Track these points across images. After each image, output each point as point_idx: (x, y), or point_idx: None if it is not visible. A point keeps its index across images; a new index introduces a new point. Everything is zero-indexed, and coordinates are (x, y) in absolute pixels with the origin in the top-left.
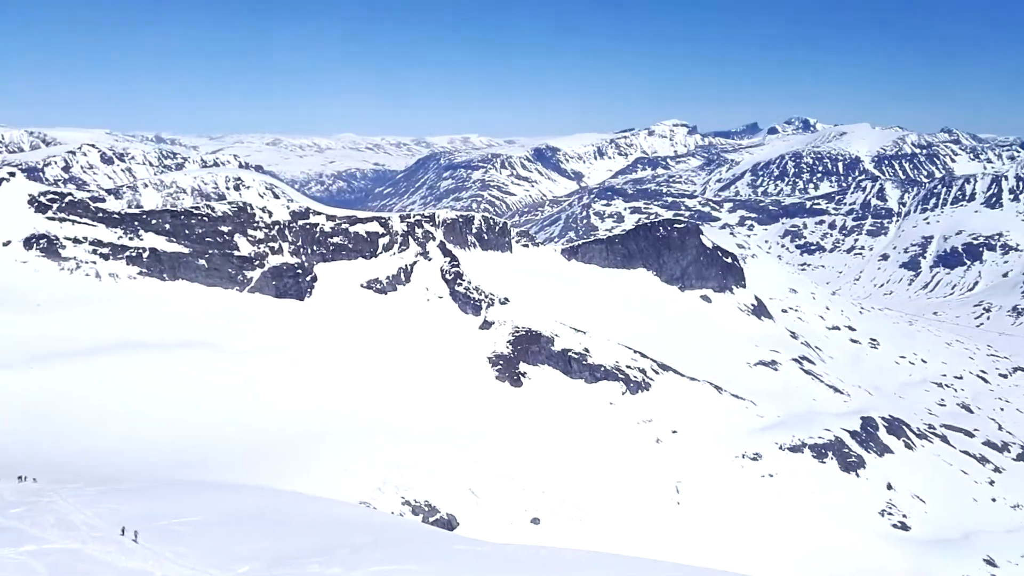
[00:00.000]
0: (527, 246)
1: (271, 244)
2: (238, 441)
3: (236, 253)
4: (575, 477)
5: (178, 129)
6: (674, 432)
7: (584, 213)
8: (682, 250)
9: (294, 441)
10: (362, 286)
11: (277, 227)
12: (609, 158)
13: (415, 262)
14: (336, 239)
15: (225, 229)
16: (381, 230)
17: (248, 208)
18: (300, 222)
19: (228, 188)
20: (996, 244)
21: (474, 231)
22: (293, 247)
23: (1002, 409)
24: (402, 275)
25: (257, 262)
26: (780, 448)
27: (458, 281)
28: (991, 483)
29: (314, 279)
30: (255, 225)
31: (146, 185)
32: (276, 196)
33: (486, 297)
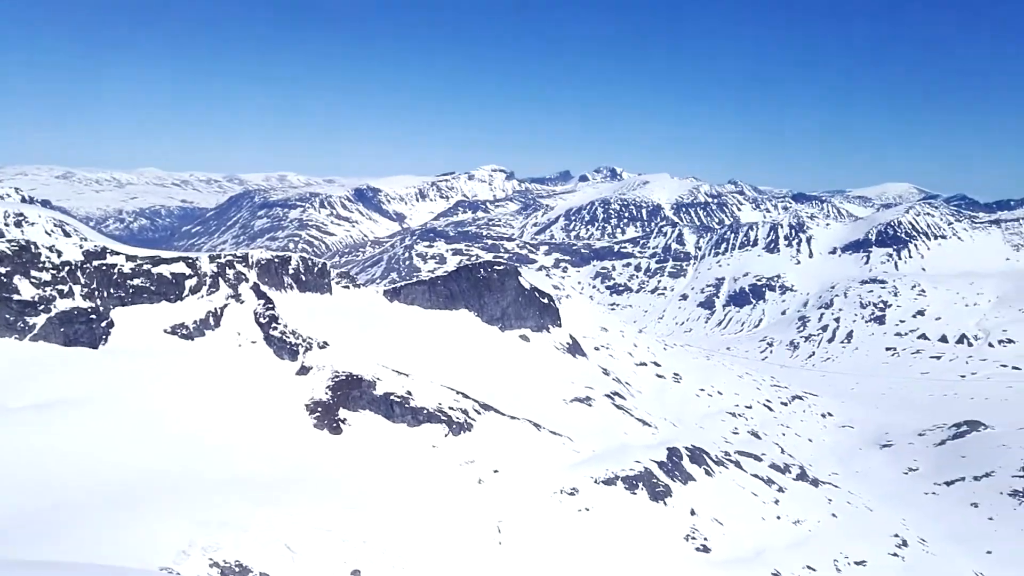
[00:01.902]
0: (348, 287)
1: (59, 287)
2: (20, 511)
3: (16, 297)
4: (398, 524)
5: None
6: (496, 471)
7: (406, 254)
8: (502, 291)
9: (85, 505)
10: (166, 331)
11: (67, 268)
12: (431, 200)
13: (226, 305)
14: (137, 281)
15: (2, 271)
16: (188, 271)
17: (32, 247)
18: (95, 262)
19: (7, 225)
20: (775, 285)
21: (291, 272)
22: (86, 290)
23: (784, 434)
24: (211, 319)
25: (42, 307)
26: (595, 482)
27: (273, 325)
28: (776, 502)
29: (110, 325)
30: (40, 266)
31: None
32: (67, 234)
33: (304, 341)
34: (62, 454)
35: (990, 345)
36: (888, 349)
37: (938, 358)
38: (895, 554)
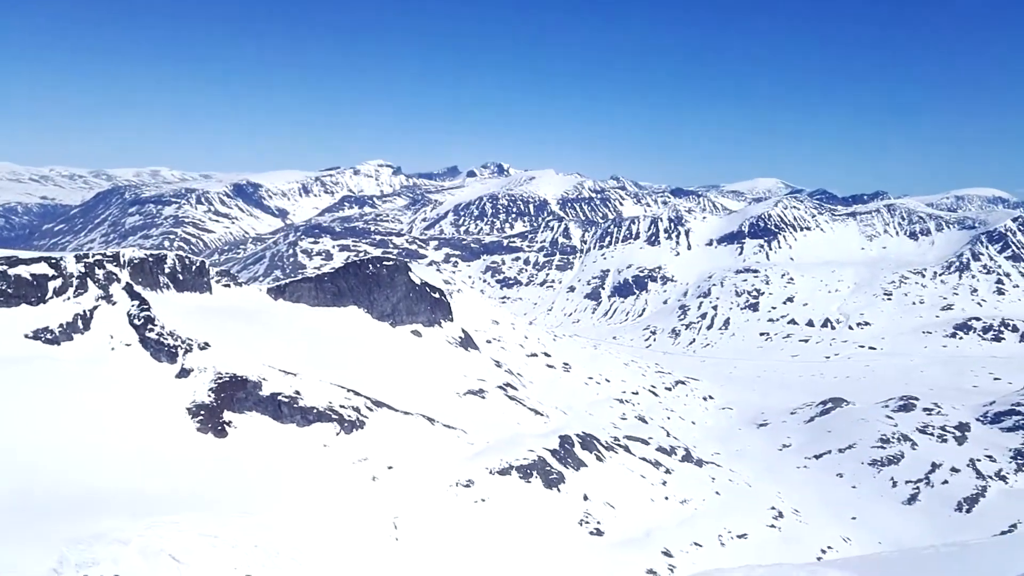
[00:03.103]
0: (229, 286)
1: None
2: None
3: None
4: (290, 526)
5: None
6: (390, 468)
7: (291, 251)
8: (392, 287)
9: None
10: (27, 336)
11: None
12: (315, 196)
13: (96, 307)
14: None
15: None
16: (51, 272)
17: None
18: None
19: None
20: (657, 276)
21: (167, 271)
22: None
23: (668, 418)
24: (79, 322)
25: None
26: (490, 472)
27: (149, 326)
28: (664, 484)
29: None
30: None
31: None
32: None
33: (183, 343)
34: None
35: (850, 328)
36: (762, 334)
37: (806, 341)
38: (772, 525)
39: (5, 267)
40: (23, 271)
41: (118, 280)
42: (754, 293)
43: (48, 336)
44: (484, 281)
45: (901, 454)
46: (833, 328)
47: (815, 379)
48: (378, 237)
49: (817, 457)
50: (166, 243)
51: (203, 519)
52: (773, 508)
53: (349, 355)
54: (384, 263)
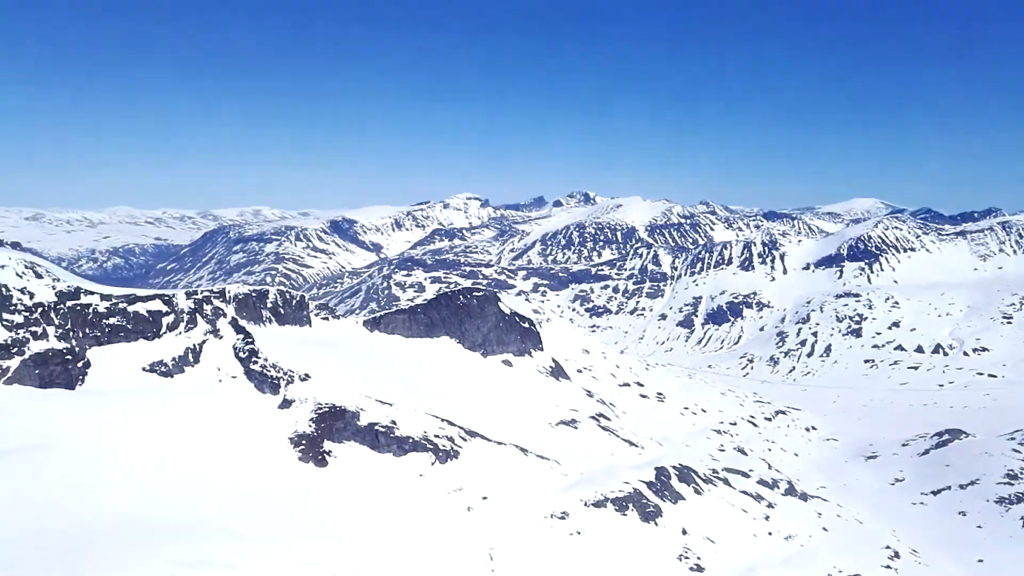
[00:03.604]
0: (327, 319)
1: (33, 329)
2: None
3: None
4: (387, 555)
5: None
6: (484, 498)
7: (385, 284)
8: (482, 317)
9: (64, 548)
10: (144, 369)
11: (40, 310)
12: (407, 229)
13: (204, 341)
14: (113, 320)
15: None
16: (165, 308)
17: (3, 290)
18: (69, 303)
19: None
20: (752, 302)
21: (269, 306)
22: (61, 331)
23: (769, 449)
24: (190, 355)
25: (15, 350)
26: (585, 505)
27: (253, 359)
28: (766, 518)
29: (87, 365)
30: (12, 308)
31: None
32: (39, 275)
33: (285, 374)
34: (41, 499)
35: (965, 354)
36: (867, 361)
37: (915, 368)
38: (888, 566)
39: (125, 304)
40: (140, 308)
41: (224, 315)
42: (856, 318)
43: (163, 369)
44: (573, 310)
45: None
46: (945, 354)
47: (928, 409)
48: (468, 268)
49: (935, 493)
50: (268, 279)
51: (305, 546)
52: (888, 547)
53: (442, 385)
54: (474, 294)
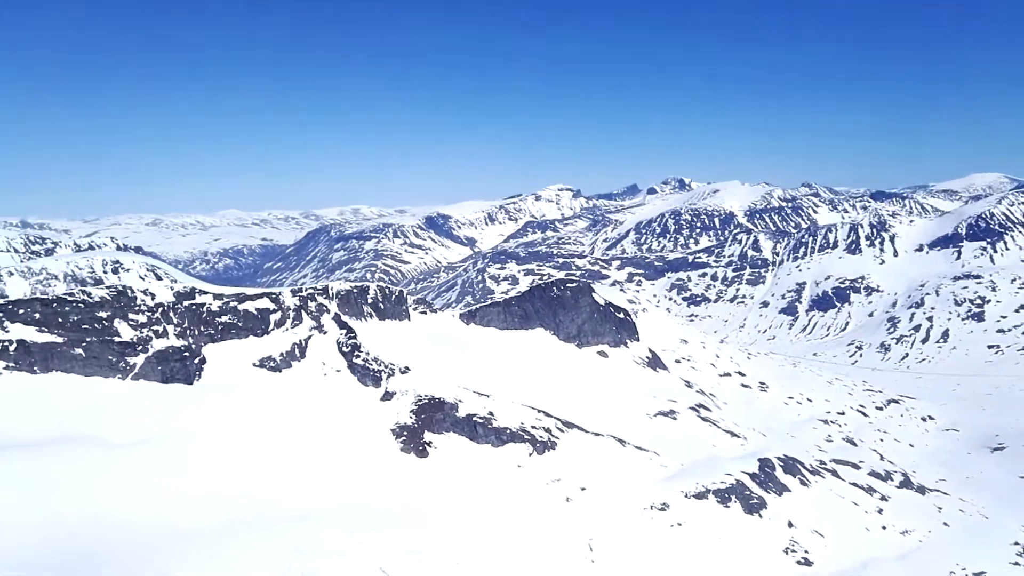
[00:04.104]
0: (425, 313)
1: (155, 327)
2: (129, 539)
3: (117, 339)
4: (488, 545)
5: (46, 213)
6: (583, 489)
7: (479, 277)
8: (576, 308)
9: (190, 533)
10: (255, 365)
11: (160, 309)
12: (500, 223)
13: (310, 336)
14: (225, 318)
15: (103, 315)
16: (272, 306)
17: (128, 291)
18: (185, 303)
19: (106, 272)
20: (860, 287)
21: (370, 301)
22: (179, 329)
23: (882, 440)
24: (296, 351)
25: (140, 347)
26: (686, 496)
27: (356, 353)
28: (880, 512)
29: (203, 361)
30: (136, 309)
31: (11, 273)
32: (159, 277)
33: (386, 367)
34: (165, 487)
35: None
36: (990, 347)
37: None
38: (1017, 563)
39: (236, 303)
40: (250, 306)
41: (328, 311)
42: (977, 301)
43: (271, 364)
44: (670, 299)
45: None
46: None
47: None
48: (561, 260)
49: None
50: (368, 275)
51: (409, 535)
52: (1016, 543)
53: (537, 377)
54: (568, 285)
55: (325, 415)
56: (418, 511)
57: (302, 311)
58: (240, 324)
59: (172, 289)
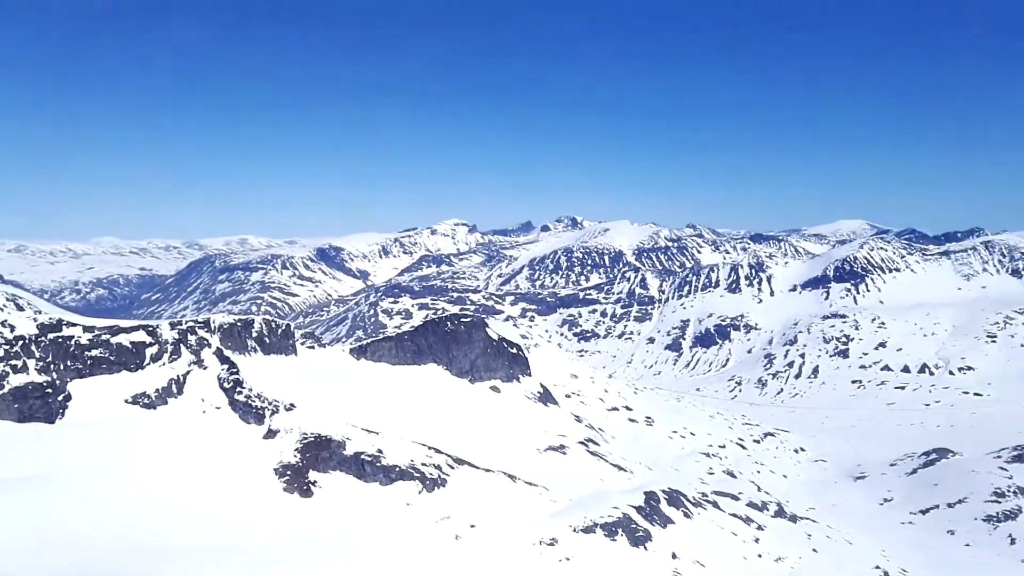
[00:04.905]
0: (313, 347)
1: (13, 362)
2: None
3: None
4: None
5: None
6: (472, 526)
7: (372, 311)
8: (470, 343)
9: None
10: (127, 401)
11: (21, 342)
12: (394, 256)
13: (188, 371)
14: (95, 352)
15: None
16: (148, 339)
17: None
18: (50, 335)
19: None
20: (740, 324)
21: (254, 335)
22: (41, 363)
23: (759, 472)
24: (173, 387)
25: None
26: (574, 530)
27: (238, 389)
28: (756, 540)
29: (68, 398)
30: None
31: None
32: (20, 308)
33: (270, 404)
34: (20, 535)
35: (951, 373)
36: (854, 382)
37: (902, 388)
38: None
39: (108, 336)
40: (123, 339)
41: (209, 345)
42: (843, 339)
43: (145, 401)
44: (561, 335)
45: (1019, 508)
46: (932, 374)
47: (915, 428)
48: (455, 294)
49: (923, 512)
50: (253, 308)
51: (290, 574)
52: (878, 568)
53: (429, 413)
54: (462, 320)
55: (203, 454)
56: (302, 551)
57: (181, 345)
58: (112, 358)
59: (35, 320)
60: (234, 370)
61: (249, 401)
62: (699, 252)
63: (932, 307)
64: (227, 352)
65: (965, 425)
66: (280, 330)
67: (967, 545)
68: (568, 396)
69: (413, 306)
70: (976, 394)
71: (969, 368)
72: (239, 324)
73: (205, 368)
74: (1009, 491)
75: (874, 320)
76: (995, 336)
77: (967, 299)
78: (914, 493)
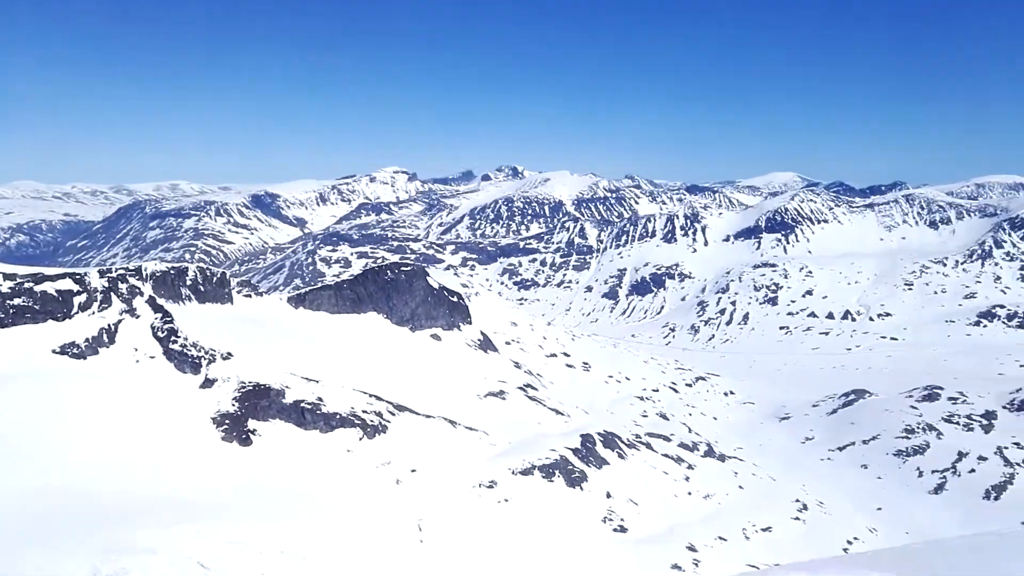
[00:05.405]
0: (250, 296)
1: None
2: None
3: None
4: (315, 531)
5: None
6: (413, 471)
7: (310, 260)
8: (410, 292)
9: None
10: (55, 352)
11: None
12: (332, 204)
13: (120, 320)
14: (18, 300)
15: None
16: (76, 287)
17: None
18: None
19: None
20: (675, 273)
21: (188, 283)
22: None
23: (690, 414)
24: (104, 336)
25: None
26: (513, 473)
27: (172, 338)
28: (687, 479)
29: None
30: None
31: None
32: None
33: (206, 353)
34: None
35: (871, 319)
36: (782, 328)
37: (826, 334)
38: (797, 518)
39: (31, 284)
40: (48, 287)
41: (141, 294)
42: (773, 287)
43: (74, 351)
44: (502, 284)
45: (927, 444)
46: (853, 320)
47: (836, 371)
48: (395, 243)
49: (841, 449)
50: (187, 256)
51: (230, 526)
52: (797, 501)
53: (370, 361)
54: (402, 269)
55: (137, 404)
56: (241, 501)
57: (111, 293)
58: (37, 307)
59: None
60: (168, 319)
61: (185, 350)
62: (637, 203)
63: (856, 257)
64: (160, 301)
65: (881, 367)
66: (215, 278)
67: (879, 478)
68: (508, 343)
69: (352, 255)
70: (892, 338)
71: (887, 314)
72: (172, 272)
73: (138, 317)
74: (918, 428)
75: (802, 269)
76: (912, 284)
77: (888, 249)
78: (833, 432)
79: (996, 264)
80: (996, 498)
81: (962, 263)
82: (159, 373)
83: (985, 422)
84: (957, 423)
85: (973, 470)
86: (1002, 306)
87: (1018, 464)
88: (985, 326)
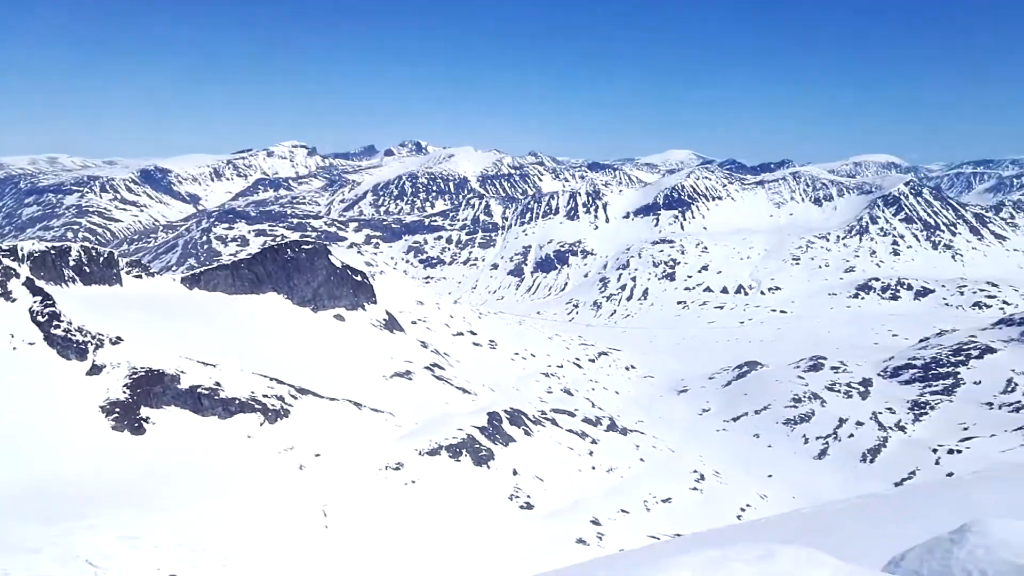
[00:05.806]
0: (140, 277)
1: None
2: None
3: None
4: (215, 522)
5: None
6: (317, 456)
7: (204, 238)
8: (312, 271)
9: None
10: None
11: None
12: (228, 179)
13: None
14: None
15: None
16: None
17: None
18: None
19: None
20: (578, 250)
21: (72, 264)
22: None
23: (593, 389)
24: None
25: None
26: (420, 454)
27: (54, 323)
28: (591, 454)
29: None
30: None
31: None
32: None
33: (93, 338)
34: None
35: (762, 293)
36: (679, 303)
37: (721, 308)
38: (695, 488)
39: None
40: None
41: (17, 275)
42: (670, 263)
43: None
44: (407, 261)
45: (812, 412)
46: (746, 294)
47: (731, 344)
48: (295, 220)
49: (735, 419)
50: (69, 234)
51: (122, 520)
52: (695, 472)
53: (270, 343)
54: (303, 247)
55: (16, 394)
56: (134, 493)
57: None
58: None
59: None
60: (49, 302)
61: (68, 335)
62: (540, 180)
63: (748, 233)
64: (40, 283)
65: (772, 339)
66: (102, 258)
67: (769, 446)
68: (414, 323)
69: (250, 232)
70: (782, 311)
71: (777, 288)
72: (53, 252)
73: (14, 301)
74: (804, 397)
75: (698, 245)
76: (799, 259)
77: (777, 225)
78: (728, 403)
79: (872, 239)
80: (872, 461)
81: (843, 238)
82: (40, 360)
83: (862, 389)
84: (838, 391)
85: (852, 435)
86: (877, 279)
87: (891, 428)
88: (863, 298)
